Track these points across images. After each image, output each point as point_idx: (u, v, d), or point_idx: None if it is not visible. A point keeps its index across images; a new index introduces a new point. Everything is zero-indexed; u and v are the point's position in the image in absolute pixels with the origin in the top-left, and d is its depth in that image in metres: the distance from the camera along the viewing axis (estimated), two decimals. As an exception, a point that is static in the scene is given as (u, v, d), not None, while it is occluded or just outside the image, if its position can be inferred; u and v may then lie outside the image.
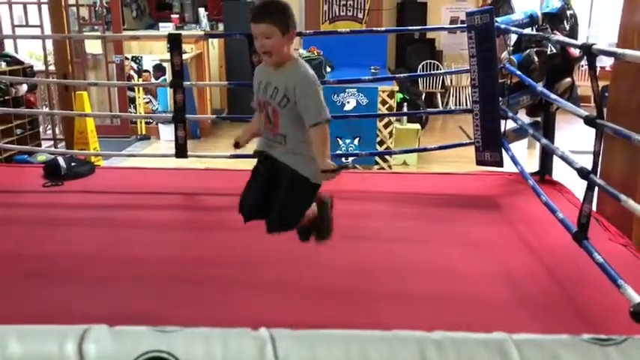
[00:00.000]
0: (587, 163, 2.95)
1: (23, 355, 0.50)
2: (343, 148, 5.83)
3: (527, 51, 4.26)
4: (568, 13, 4.31)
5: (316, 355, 0.40)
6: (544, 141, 3.82)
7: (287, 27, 2.20)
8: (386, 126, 5.88)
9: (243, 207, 2.47)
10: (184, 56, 5.40)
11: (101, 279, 2.94)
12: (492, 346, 0.38)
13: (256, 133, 2.49)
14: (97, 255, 3.27)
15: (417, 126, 6.46)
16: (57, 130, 7.00)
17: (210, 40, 8.12)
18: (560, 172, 4.35)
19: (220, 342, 0.43)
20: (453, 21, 9.09)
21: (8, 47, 6.50)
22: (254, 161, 3.46)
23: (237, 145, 2.51)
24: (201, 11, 8.67)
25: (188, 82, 5.15)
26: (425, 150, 5.48)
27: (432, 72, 8.77)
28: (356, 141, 5.83)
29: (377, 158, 5.88)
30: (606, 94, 4.03)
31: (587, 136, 2.86)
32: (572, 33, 4.29)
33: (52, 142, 6.84)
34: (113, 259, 3.21)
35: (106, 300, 2.72)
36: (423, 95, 8.89)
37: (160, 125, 7.29)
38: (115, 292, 2.79)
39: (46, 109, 7.22)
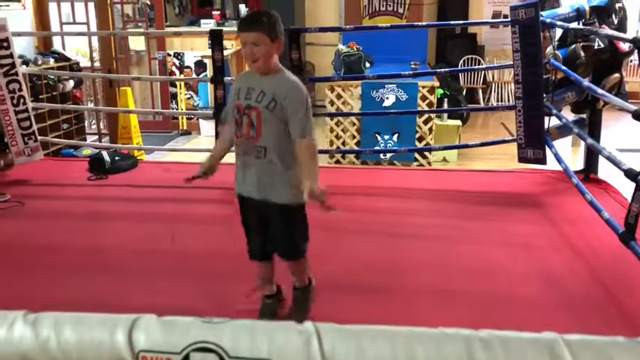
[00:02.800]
0: (635, 161, 2.86)
1: (77, 342, 0.51)
2: (382, 144, 5.80)
3: (574, 46, 4.14)
4: (617, 6, 4.17)
5: (362, 350, 0.40)
6: (589, 140, 3.72)
7: (275, 34, 2.20)
8: (426, 122, 5.82)
9: (253, 255, 2.46)
10: (225, 52, 5.45)
11: (144, 271, 3.01)
12: (542, 346, 0.37)
13: (222, 157, 2.48)
14: (139, 247, 3.34)
15: (458, 122, 6.37)
16: (101, 125, 7.18)
17: (250, 36, 8.17)
18: (607, 170, 4.22)
19: (266, 335, 0.44)
20: (495, 15, 8.91)
21: (57, 44, 6.70)
22: None
23: (205, 175, 2.47)
24: (242, 7, 8.75)
25: (228, 78, 5.21)
26: (466, 147, 5.40)
27: (474, 67, 8.63)
28: (395, 137, 5.78)
29: (416, 155, 5.83)
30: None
31: (635, 134, 2.77)
32: (621, 27, 4.15)
33: (96, 137, 7.02)
34: (155, 251, 3.28)
35: (150, 292, 2.78)
36: (464, 91, 8.76)
37: (200, 120, 7.39)
38: (159, 285, 2.85)
39: (91, 105, 7.42)
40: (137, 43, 7.71)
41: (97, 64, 7.01)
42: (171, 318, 0.51)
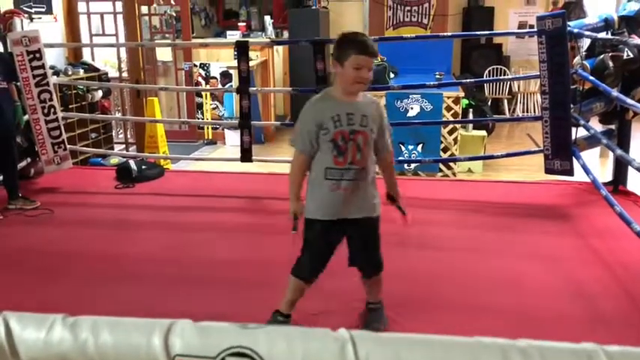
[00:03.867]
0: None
1: (114, 345, 0.52)
2: (406, 155, 5.78)
3: (602, 56, 4.09)
4: (646, 15, 4.11)
5: (398, 358, 0.40)
6: (618, 151, 3.66)
7: None
8: (450, 132, 5.78)
9: (315, 276, 2.43)
10: (250, 63, 5.50)
11: (171, 279, 3.04)
12: (582, 357, 0.37)
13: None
14: (166, 256, 3.37)
15: (483, 133, 6.32)
16: (128, 134, 7.30)
17: (275, 47, 8.24)
18: (637, 182, 4.15)
19: (301, 341, 0.44)
20: (521, 26, 8.85)
21: (86, 55, 6.84)
22: None
23: (296, 218, 2.40)
24: (267, 19, 8.83)
25: (254, 88, 5.26)
26: (491, 157, 5.36)
27: (499, 77, 8.56)
28: (419, 147, 5.76)
29: (441, 165, 5.79)
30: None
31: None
32: (647, 37, 4.09)
33: (123, 146, 7.13)
34: (182, 259, 3.31)
35: (177, 299, 2.80)
36: (489, 101, 8.69)
37: (225, 130, 7.46)
38: (185, 293, 2.87)
39: (118, 115, 7.54)
40: (164, 54, 7.82)
41: (124, 74, 7.13)
42: (206, 323, 0.51)
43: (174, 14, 8.00)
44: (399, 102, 5.84)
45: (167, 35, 8.00)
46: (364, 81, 2.22)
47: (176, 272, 3.13)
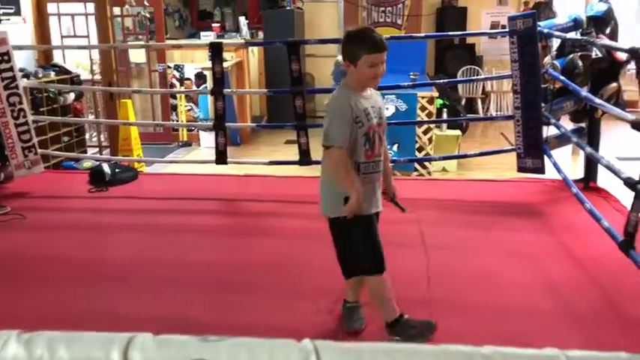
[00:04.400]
0: (634, 170, 2.86)
1: (71, 361, 0.52)
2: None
3: (571, 55, 4.16)
4: (612, 15, 4.20)
5: (360, 368, 0.40)
6: (588, 149, 3.73)
7: None
8: (425, 132, 5.83)
9: (384, 261, 2.38)
10: (225, 64, 5.47)
11: (146, 283, 3.01)
12: (542, 362, 0.37)
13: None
14: (141, 259, 3.34)
15: (457, 132, 6.38)
16: (102, 137, 7.20)
17: (250, 48, 8.22)
18: (607, 178, 4.23)
19: (265, 352, 0.44)
20: (493, 26, 8.96)
21: (57, 57, 6.73)
22: (291, 167, 3.43)
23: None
24: (242, 20, 8.80)
25: (228, 90, 5.23)
26: (465, 157, 5.42)
27: (473, 77, 8.66)
28: (395, 147, 5.79)
29: (416, 165, 5.83)
30: (655, 99, 3.90)
31: (634, 143, 2.78)
32: (613, 36, 4.18)
33: (97, 149, 7.03)
34: (157, 263, 3.28)
35: (152, 304, 2.77)
36: (463, 101, 8.78)
37: (200, 132, 7.41)
38: (160, 296, 2.85)
39: (91, 117, 7.44)
40: (137, 56, 7.74)
41: (97, 76, 7.03)
42: (167, 336, 0.51)
43: (147, 15, 7.92)
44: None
45: (140, 37, 7.92)
46: (380, 76, 2.24)
47: (151, 276, 3.09)
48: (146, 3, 7.65)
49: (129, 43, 7.71)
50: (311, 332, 2.45)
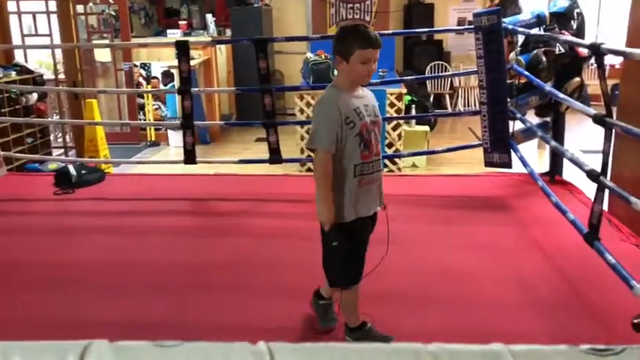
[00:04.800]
0: (598, 162, 2.92)
1: (25, 371, 0.50)
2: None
3: (535, 51, 4.24)
4: (575, 11, 4.28)
5: (314, 369, 0.40)
6: (553, 143, 3.80)
7: None
8: (394, 128, 5.86)
9: (359, 278, 2.34)
10: (192, 62, 5.42)
11: (113, 286, 2.96)
12: (490, 358, 0.38)
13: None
14: (108, 262, 3.29)
15: (426, 128, 6.44)
16: (67, 138, 7.05)
17: (218, 46, 8.15)
18: (573, 171, 4.32)
19: (220, 356, 0.43)
20: (460, 22, 9.06)
21: (18, 57, 6.56)
22: (261, 166, 3.37)
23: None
24: (209, 17, 8.72)
25: (196, 89, 5.18)
26: (433, 152, 5.46)
27: (440, 74, 8.75)
28: (364, 144, 5.82)
29: (386, 161, 5.87)
30: (617, 92, 4.00)
31: (598, 136, 2.84)
32: (580, 32, 4.27)
33: (62, 150, 6.89)
34: (124, 265, 3.23)
35: (119, 306, 2.73)
36: (432, 97, 8.86)
37: (169, 131, 7.32)
38: (128, 299, 2.80)
39: (56, 118, 7.28)
40: (103, 55, 7.61)
41: (61, 76, 6.88)
42: (123, 343, 0.50)
43: (112, 13, 7.79)
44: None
45: (105, 35, 7.79)
46: (371, 74, 2.21)
47: (118, 278, 3.05)
48: (111, 1, 7.53)
49: (93, 42, 7.57)
50: (278, 332, 2.44)
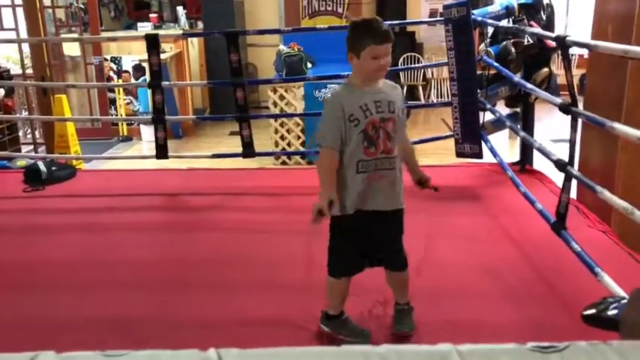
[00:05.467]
0: (567, 151, 2.97)
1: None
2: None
3: (504, 42, 4.29)
4: (544, 2, 4.34)
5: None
6: (522, 133, 3.86)
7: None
8: (368, 120, 5.89)
9: (351, 271, 2.34)
10: (163, 56, 5.36)
11: (85, 284, 2.93)
12: (437, 358, 0.39)
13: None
14: (80, 260, 3.25)
15: (400, 119, 6.47)
16: (37, 134, 6.92)
17: (190, 38, 8.06)
18: (543, 160, 4.39)
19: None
20: (432, 13, 9.10)
21: (-16, 51, 6.41)
22: (236, 160, 3.33)
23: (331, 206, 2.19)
24: (180, 10, 8.62)
25: (167, 82, 5.12)
26: (407, 143, 5.50)
27: (413, 65, 8.79)
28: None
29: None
30: (585, 82, 4.07)
31: (567, 125, 2.89)
32: (549, 23, 4.33)
33: (31, 147, 6.76)
34: (97, 263, 3.20)
35: (92, 305, 2.71)
36: (405, 88, 8.91)
37: (141, 126, 7.24)
38: (101, 297, 2.78)
39: (24, 114, 7.14)
40: (72, 49, 7.47)
41: (29, 70, 6.74)
42: (69, 354, 0.50)
43: (81, 6, 7.65)
44: (317, 92, 5.88)
45: (74, 29, 7.64)
46: (385, 68, 2.17)
47: (90, 277, 3.02)
48: (79, -7, 7.39)
49: (62, 35, 7.43)
50: (255, 327, 2.45)
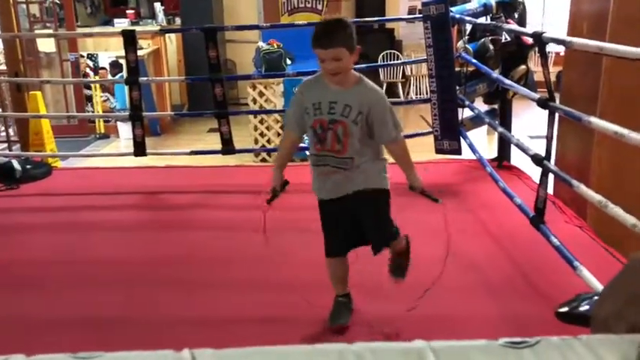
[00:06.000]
0: (544, 147, 3.00)
1: None
2: (306, 141, 5.82)
3: (483, 40, 4.32)
4: (518, 0, 4.38)
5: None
6: (500, 129, 3.89)
7: (353, 46, 2.15)
8: (347, 117, 5.89)
9: (333, 251, 2.42)
10: (140, 52, 5.29)
11: (59, 284, 2.89)
12: (412, 355, 0.39)
13: (285, 165, 2.40)
14: (55, 260, 3.20)
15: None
16: (11, 132, 6.79)
17: (167, 35, 7.98)
18: (521, 156, 4.43)
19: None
20: (411, 10, 9.13)
21: (-45, 47, 6.27)
22: (215, 157, 3.29)
23: (275, 195, 2.32)
24: (157, 6, 8.52)
25: (145, 79, 5.07)
26: (386, 140, 5.52)
27: (392, 62, 8.80)
28: (318, 133, 5.83)
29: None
30: (561, 79, 4.12)
31: (545, 121, 2.93)
32: (521, 20, 4.38)
33: (5, 145, 6.63)
34: (73, 263, 3.15)
35: (65, 305, 2.67)
36: (385, 85, 8.93)
37: (118, 123, 7.14)
38: (75, 297, 2.74)
39: (-2, 111, 7.00)
40: (47, 45, 7.33)
41: (2, 67, 6.61)
42: (41, 357, 0.48)
43: (56, 1, 7.52)
44: (296, 88, 5.85)
45: (49, 24, 7.51)
46: (330, 73, 2.13)
47: (67, 276, 2.97)
48: (53, -11, 7.27)
49: (36, 32, 7.29)
50: (230, 325, 2.44)
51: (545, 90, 2.92)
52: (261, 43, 6.53)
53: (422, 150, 5.69)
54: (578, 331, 0.54)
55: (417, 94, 9.26)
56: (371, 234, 2.39)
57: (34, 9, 7.47)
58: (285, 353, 0.40)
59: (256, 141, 6.02)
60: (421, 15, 4.33)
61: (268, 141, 6.02)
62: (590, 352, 0.39)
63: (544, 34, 2.80)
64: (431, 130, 4.50)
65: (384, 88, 8.72)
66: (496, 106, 4.67)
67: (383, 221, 2.42)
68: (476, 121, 4.47)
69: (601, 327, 0.48)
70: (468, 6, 4.53)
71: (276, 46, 6.25)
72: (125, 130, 6.86)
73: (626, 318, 0.45)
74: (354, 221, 2.36)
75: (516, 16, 4.25)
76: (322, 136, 2.18)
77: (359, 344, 0.40)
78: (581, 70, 3.53)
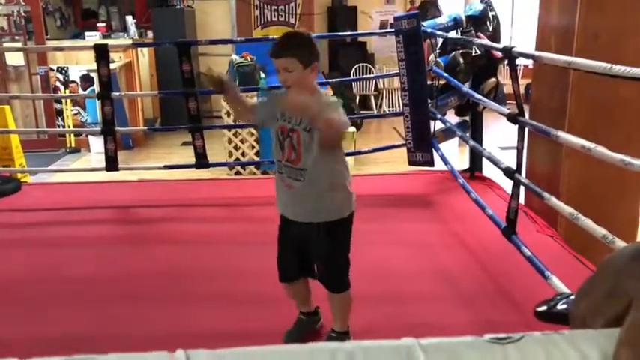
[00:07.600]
0: (515, 158, 3.07)
1: None
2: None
3: (453, 53, 4.40)
4: (490, 14, 4.49)
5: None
6: (471, 142, 3.96)
7: (309, 59, 2.13)
8: (321, 130, 5.92)
9: (284, 277, 2.37)
10: (112, 65, 5.25)
11: (33, 301, 2.83)
12: (402, 352, 0.40)
13: (241, 102, 2.39)
14: (27, 277, 3.13)
15: (353, 129, 6.54)
16: (-22, 147, 6.65)
17: (139, 48, 7.94)
18: (492, 167, 4.52)
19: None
20: (382, 24, 9.26)
21: None
22: (188, 171, 3.29)
23: (212, 75, 2.28)
24: (129, 19, 8.47)
25: (117, 93, 5.02)
26: (360, 153, 5.56)
27: (364, 76, 8.91)
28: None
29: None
30: (530, 91, 4.23)
31: (514, 133, 2.99)
32: (495, 34, 4.48)
33: (-27, 160, 6.49)
34: (45, 279, 3.09)
35: (40, 323, 2.61)
36: (357, 98, 9.01)
37: (90, 137, 7.06)
38: (48, 314, 2.68)
39: (-35, 125, 6.85)
40: (15, 58, 7.23)
41: (-31, 81, 6.49)
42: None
43: (24, 14, 7.42)
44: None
45: (17, 38, 7.41)
46: (281, 82, 2.16)
47: (37, 294, 2.91)
48: (22, 2, 7.17)
49: (4, 46, 7.19)
50: (207, 339, 2.42)
51: (515, 103, 2.98)
52: (234, 57, 6.54)
53: (395, 162, 5.77)
54: (556, 330, 0.56)
55: (389, 107, 9.36)
56: (320, 275, 2.35)
57: (2, 22, 7.36)
58: (280, 353, 0.40)
59: (230, 154, 6.01)
60: (393, 29, 4.39)
61: (242, 154, 6.02)
62: (572, 346, 0.41)
63: (514, 49, 2.88)
64: (404, 142, 4.56)
65: (357, 100, 8.81)
66: (467, 118, 4.75)
67: (334, 268, 2.33)
68: (448, 133, 4.55)
69: (579, 324, 0.50)
70: (439, 20, 4.63)
71: (249, 60, 6.27)
72: (97, 144, 6.78)
73: (602, 313, 0.47)
74: (305, 252, 2.31)
75: (490, 29, 4.35)
76: (282, 143, 2.21)
77: (351, 342, 0.41)
78: (550, 83, 3.63)
